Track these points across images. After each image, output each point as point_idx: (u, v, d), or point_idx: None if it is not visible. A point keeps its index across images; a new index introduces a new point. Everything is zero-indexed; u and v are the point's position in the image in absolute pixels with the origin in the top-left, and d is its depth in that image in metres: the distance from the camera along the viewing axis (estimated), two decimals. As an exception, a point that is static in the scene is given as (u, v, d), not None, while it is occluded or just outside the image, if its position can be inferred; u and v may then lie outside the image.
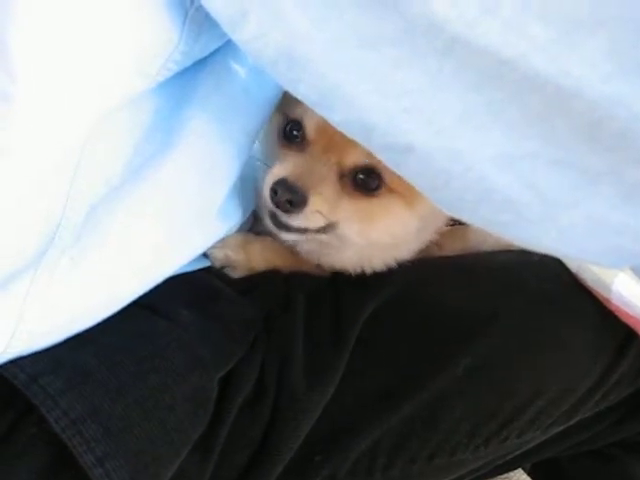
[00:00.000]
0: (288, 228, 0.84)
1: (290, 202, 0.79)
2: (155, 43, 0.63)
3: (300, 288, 0.87)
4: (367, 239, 0.87)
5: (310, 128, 0.83)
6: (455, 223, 0.97)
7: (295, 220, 0.81)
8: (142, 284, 0.74)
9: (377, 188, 0.82)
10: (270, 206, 0.82)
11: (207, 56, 0.71)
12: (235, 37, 0.59)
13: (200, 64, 0.71)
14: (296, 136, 0.86)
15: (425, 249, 0.96)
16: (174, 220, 0.74)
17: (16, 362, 0.65)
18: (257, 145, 0.90)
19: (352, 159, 0.81)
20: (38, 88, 0.57)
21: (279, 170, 0.81)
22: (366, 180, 0.82)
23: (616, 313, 0.86)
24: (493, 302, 0.87)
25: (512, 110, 0.51)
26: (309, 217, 0.81)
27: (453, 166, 0.54)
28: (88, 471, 0.63)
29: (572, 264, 0.89)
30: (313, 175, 0.81)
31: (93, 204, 0.66)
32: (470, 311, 0.86)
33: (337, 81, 0.54)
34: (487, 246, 0.97)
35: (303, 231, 0.84)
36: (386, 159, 0.59)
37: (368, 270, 0.92)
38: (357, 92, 0.54)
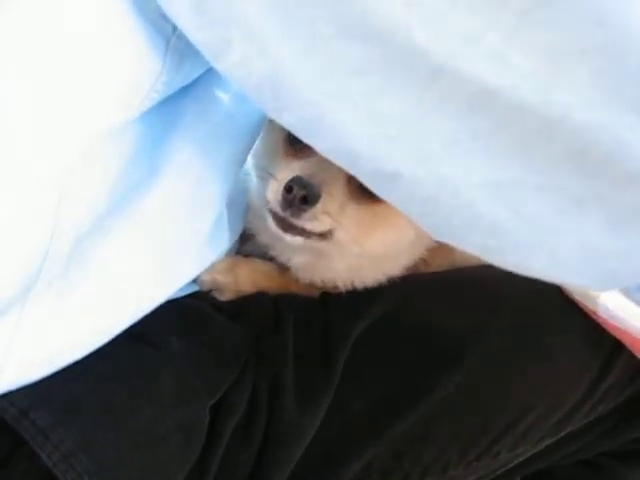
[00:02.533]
0: (294, 230, 0.83)
1: (304, 199, 0.79)
2: (137, 73, 0.63)
3: (289, 310, 0.87)
4: (362, 247, 0.87)
5: None
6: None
7: (304, 221, 0.81)
8: (131, 315, 0.73)
9: None
10: (278, 209, 0.82)
11: (190, 84, 0.71)
12: (218, 66, 0.59)
13: (183, 92, 0.71)
14: (300, 141, 0.85)
15: (412, 266, 0.96)
16: (161, 250, 0.74)
17: (6, 396, 0.65)
18: (249, 160, 0.90)
19: None
20: (22, 122, 0.57)
21: (290, 170, 0.81)
22: None
23: (603, 325, 0.86)
24: (481, 318, 0.88)
25: (497, 138, 0.51)
26: (318, 217, 0.81)
27: (440, 192, 0.55)
28: None
29: (558, 277, 0.90)
30: (323, 175, 0.81)
31: (78, 235, 0.65)
32: (458, 328, 0.87)
33: (322, 110, 0.54)
34: (473, 261, 0.97)
35: (307, 234, 0.84)
36: (373, 186, 0.60)
37: (358, 285, 0.92)
38: (342, 120, 0.54)
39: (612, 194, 0.51)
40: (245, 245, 0.99)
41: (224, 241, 0.87)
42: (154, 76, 0.64)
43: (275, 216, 0.84)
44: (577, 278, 0.59)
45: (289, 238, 0.84)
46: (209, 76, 0.73)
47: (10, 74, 0.56)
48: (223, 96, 0.77)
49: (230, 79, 0.60)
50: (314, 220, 0.81)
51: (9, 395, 0.65)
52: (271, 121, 0.88)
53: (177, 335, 0.76)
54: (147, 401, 0.69)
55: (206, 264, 0.85)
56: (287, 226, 0.83)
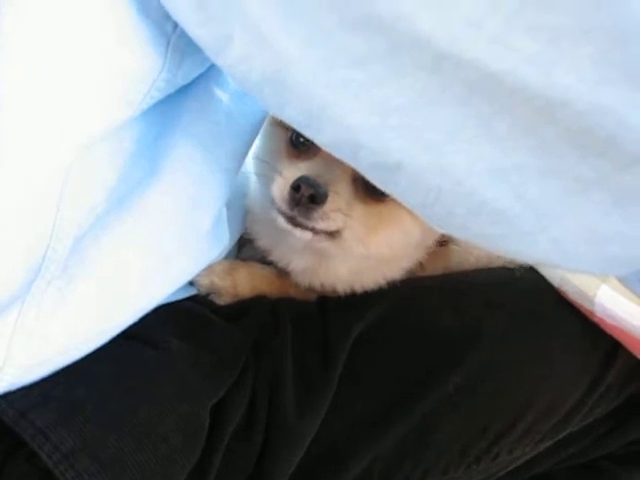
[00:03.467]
0: (303, 226, 0.82)
1: (312, 198, 0.78)
2: (139, 71, 0.63)
3: (287, 313, 0.87)
4: (368, 249, 0.86)
5: None
6: (436, 245, 0.98)
7: (314, 220, 0.80)
8: (131, 313, 0.73)
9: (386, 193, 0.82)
10: (285, 208, 0.81)
11: (190, 83, 0.72)
12: (219, 62, 0.59)
13: (183, 91, 0.72)
14: (303, 143, 0.85)
15: (409, 270, 0.96)
16: (161, 247, 0.74)
17: (4, 397, 0.64)
18: (248, 164, 0.90)
19: None
20: (22, 120, 0.57)
21: (296, 170, 0.81)
22: None
23: (600, 325, 0.87)
24: (478, 320, 0.88)
25: (500, 123, 0.51)
26: (330, 215, 0.80)
27: (442, 181, 0.55)
28: None
29: (554, 279, 0.90)
30: (329, 175, 0.80)
31: (79, 234, 0.65)
32: (456, 330, 0.87)
33: (324, 102, 0.54)
34: (468, 265, 0.98)
35: (317, 231, 0.83)
36: (375, 178, 0.60)
37: (358, 289, 0.92)
38: (345, 112, 0.54)
39: (614, 176, 0.51)
40: (243, 250, 0.99)
41: (224, 240, 0.87)
42: (155, 74, 0.64)
43: (283, 215, 0.83)
44: (579, 263, 0.59)
45: (299, 233, 0.83)
46: (209, 75, 0.74)
47: (12, 72, 0.56)
48: (222, 95, 0.77)
49: (231, 75, 0.61)
50: (327, 219, 0.80)
51: (7, 396, 0.65)
52: (273, 123, 0.88)
53: (176, 336, 0.76)
54: (147, 401, 0.69)
55: (206, 262, 0.85)
56: (296, 222, 0.82)
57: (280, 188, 0.81)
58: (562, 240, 0.55)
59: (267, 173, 0.88)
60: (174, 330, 0.77)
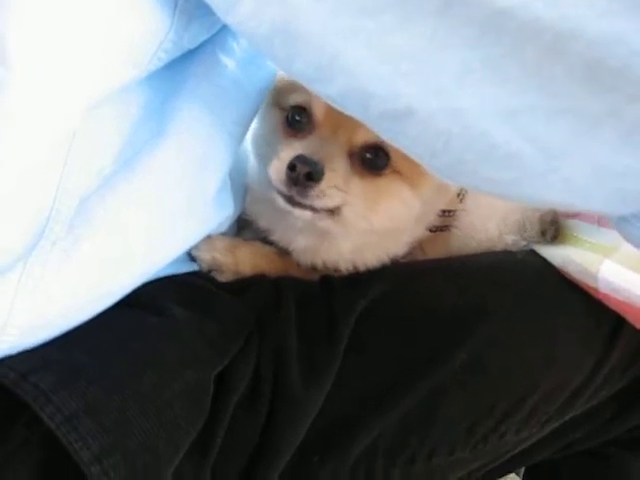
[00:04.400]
0: (302, 205, 0.83)
1: (309, 175, 0.79)
2: (146, 32, 0.64)
3: (290, 290, 0.86)
4: (370, 223, 0.87)
5: (318, 110, 0.84)
6: (437, 229, 0.98)
7: (311, 198, 0.81)
8: (136, 275, 0.72)
9: (384, 167, 0.84)
10: (283, 188, 0.81)
11: (196, 48, 0.72)
12: (228, 20, 0.59)
13: (189, 56, 0.72)
14: (299, 121, 0.87)
15: (410, 254, 0.96)
16: (167, 209, 0.73)
17: (4, 362, 0.63)
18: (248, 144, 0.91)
19: (362, 137, 0.82)
20: (31, 77, 0.57)
21: (292, 150, 0.81)
22: (374, 159, 0.83)
23: (604, 301, 0.86)
24: (482, 298, 0.87)
25: (510, 63, 0.51)
26: (326, 192, 0.80)
27: (453, 126, 0.55)
28: (85, 468, 0.59)
29: (555, 259, 0.90)
30: (325, 152, 0.81)
31: (84, 196, 0.65)
32: (460, 307, 0.86)
33: (335, 51, 0.55)
34: (470, 250, 0.98)
35: (315, 209, 0.83)
36: (384, 129, 0.60)
37: (361, 267, 0.92)
38: (354, 61, 0.55)
39: (624, 108, 0.51)
40: (243, 233, 0.98)
41: (228, 208, 0.87)
42: (162, 34, 0.65)
43: (281, 195, 0.83)
44: (591, 202, 0.58)
45: (298, 212, 0.84)
46: (214, 41, 0.75)
47: (19, 33, 0.56)
48: (228, 61, 0.78)
49: (240, 32, 0.61)
50: (323, 197, 0.81)
51: (7, 360, 0.63)
52: (270, 104, 0.90)
53: (180, 304, 0.75)
54: (151, 366, 0.68)
55: (211, 227, 0.85)
56: (294, 201, 0.83)
57: (277, 169, 0.82)
58: (574, 179, 0.55)
59: (265, 154, 0.89)
60: (177, 298, 0.77)
